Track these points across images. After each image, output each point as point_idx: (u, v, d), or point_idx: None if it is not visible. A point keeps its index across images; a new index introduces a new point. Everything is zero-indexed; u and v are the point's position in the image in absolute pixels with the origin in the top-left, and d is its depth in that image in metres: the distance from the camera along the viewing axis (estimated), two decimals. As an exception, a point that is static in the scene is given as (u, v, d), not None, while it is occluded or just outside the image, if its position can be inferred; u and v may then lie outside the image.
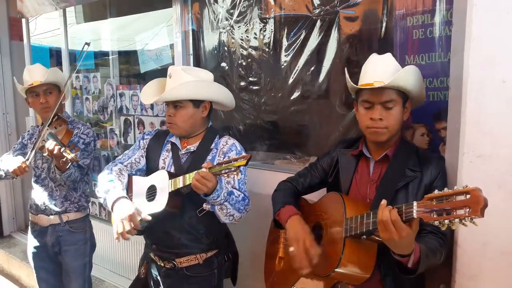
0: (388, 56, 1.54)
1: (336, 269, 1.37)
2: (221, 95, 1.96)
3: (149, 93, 1.96)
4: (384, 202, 1.24)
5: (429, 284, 1.59)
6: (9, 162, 2.29)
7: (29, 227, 2.52)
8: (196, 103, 1.86)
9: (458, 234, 1.47)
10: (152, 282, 2.02)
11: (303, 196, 1.79)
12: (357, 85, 1.52)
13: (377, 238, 1.35)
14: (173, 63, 2.87)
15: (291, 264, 1.65)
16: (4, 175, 2.38)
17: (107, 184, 1.84)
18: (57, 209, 2.39)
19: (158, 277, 1.96)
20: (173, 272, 1.89)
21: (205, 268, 1.88)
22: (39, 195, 2.44)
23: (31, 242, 2.49)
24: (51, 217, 2.40)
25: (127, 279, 3.34)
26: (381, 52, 1.94)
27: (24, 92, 2.39)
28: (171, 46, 2.90)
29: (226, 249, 1.98)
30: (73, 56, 3.70)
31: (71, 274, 2.46)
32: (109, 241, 3.44)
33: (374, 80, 1.47)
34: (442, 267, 1.53)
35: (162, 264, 1.91)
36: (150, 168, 1.95)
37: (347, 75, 1.57)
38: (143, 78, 3.26)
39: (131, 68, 3.45)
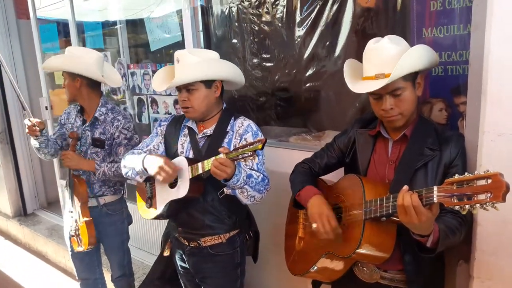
0: (385, 42, 1.43)
1: (357, 250, 1.40)
2: (229, 72, 1.95)
3: (160, 80, 1.95)
4: (406, 187, 1.25)
5: (448, 261, 1.62)
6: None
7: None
8: (208, 83, 1.86)
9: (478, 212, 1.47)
10: (177, 261, 2.10)
11: (321, 177, 1.80)
12: (362, 75, 1.50)
13: (396, 219, 1.36)
14: (181, 32, 2.79)
15: (311, 243, 1.69)
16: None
17: (131, 156, 1.96)
18: (95, 192, 2.42)
19: (183, 255, 2.03)
20: (198, 251, 1.96)
21: (228, 247, 1.94)
22: None
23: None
24: (89, 200, 2.42)
25: (150, 253, 3.46)
26: (397, 25, 1.91)
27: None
28: (178, 12, 2.81)
29: (248, 229, 2.04)
30: (81, 27, 3.63)
31: (111, 251, 2.59)
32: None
33: (375, 73, 1.43)
34: (461, 244, 1.54)
35: (187, 243, 1.97)
36: (169, 154, 1.97)
37: (347, 80, 1.52)
38: (154, 56, 3.21)
39: (138, 38, 3.36)
